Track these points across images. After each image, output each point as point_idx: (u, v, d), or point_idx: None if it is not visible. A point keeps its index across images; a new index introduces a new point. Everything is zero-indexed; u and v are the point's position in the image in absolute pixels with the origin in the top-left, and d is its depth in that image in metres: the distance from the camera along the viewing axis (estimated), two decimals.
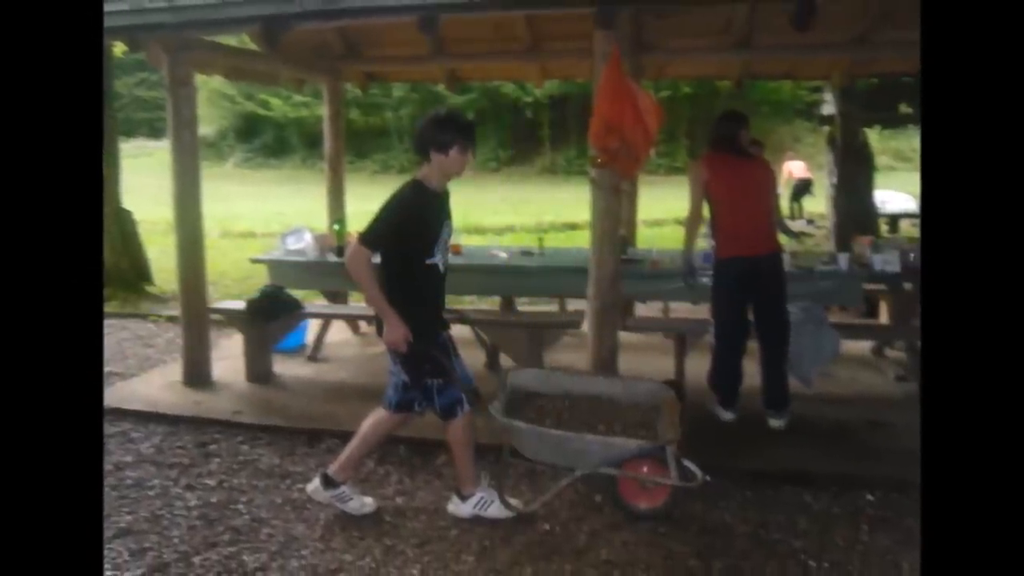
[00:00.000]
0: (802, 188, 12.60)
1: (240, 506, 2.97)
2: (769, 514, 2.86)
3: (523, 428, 2.76)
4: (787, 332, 3.59)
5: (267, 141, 23.55)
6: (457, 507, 2.82)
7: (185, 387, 4.23)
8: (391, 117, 21.91)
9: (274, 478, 3.21)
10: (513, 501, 2.81)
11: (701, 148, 6.51)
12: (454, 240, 3.10)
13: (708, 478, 2.80)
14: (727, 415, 3.65)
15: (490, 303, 5.81)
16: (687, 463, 2.80)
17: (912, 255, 4.22)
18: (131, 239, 7.15)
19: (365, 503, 2.87)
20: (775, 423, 3.58)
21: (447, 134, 2.61)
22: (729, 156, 3.55)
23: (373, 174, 20.15)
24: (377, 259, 2.67)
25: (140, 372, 4.67)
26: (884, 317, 5.11)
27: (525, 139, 21.96)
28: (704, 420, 3.58)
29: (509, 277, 4.51)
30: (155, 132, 21.92)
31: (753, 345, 3.63)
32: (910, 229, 10.19)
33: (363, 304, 4.42)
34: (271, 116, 22.95)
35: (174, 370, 4.43)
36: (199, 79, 4.60)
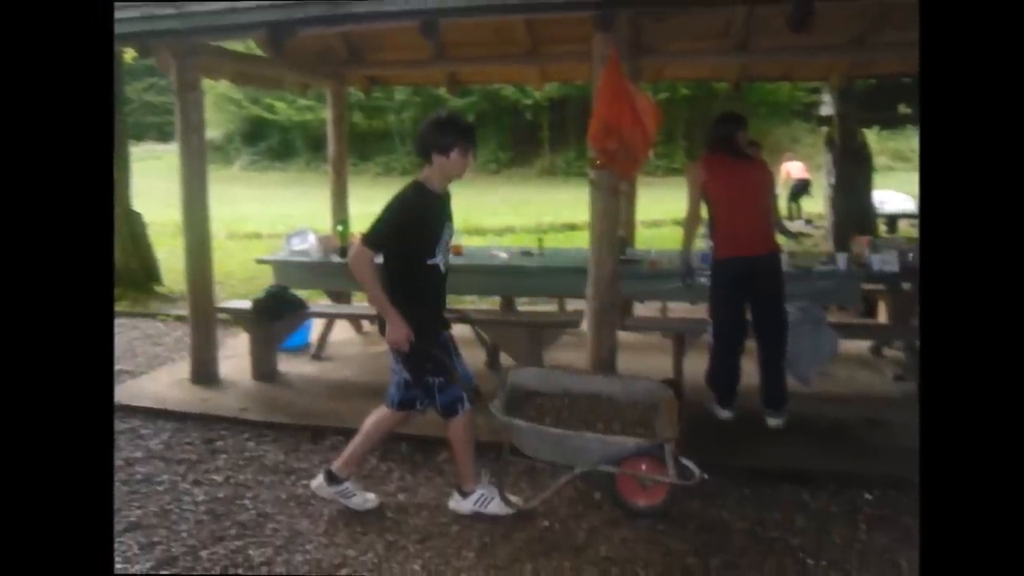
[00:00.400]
0: (800, 189, 12.30)
1: (246, 501, 2.96)
2: (767, 512, 2.83)
3: (523, 426, 2.73)
4: (785, 331, 3.52)
5: (272, 144, 23.39)
6: (458, 504, 2.80)
7: (193, 385, 4.23)
8: (393, 120, 21.66)
9: (279, 474, 3.20)
10: (513, 498, 2.78)
11: (699, 150, 6.44)
12: (455, 241, 3.08)
13: (706, 476, 2.76)
14: (725, 414, 3.60)
15: (490, 303, 5.75)
16: (685, 461, 2.76)
17: (910, 255, 4.12)
18: (141, 240, 7.15)
19: (368, 499, 2.86)
20: (773, 422, 3.52)
21: (448, 136, 2.60)
22: (727, 157, 3.51)
23: (376, 176, 19.92)
24: (380, 259, 2.66)
25: (149, 370, 4.67)
26: (882, 317, 4.99)
27: (525, 141, 21.64)
28: (702, 418, 3.52)
29: (509, 277, 4.46)
30: (164, 136, 21.78)
31: (751, 344, 3.57)
32: (908, 229, 10.03)
33: (366, 304, 4.40)
34: (276, 120, 22.77)
35: (182, 368, 4.42)
36: (206, 83, 4.59)
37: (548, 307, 5.49)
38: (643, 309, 5.33)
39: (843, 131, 7.44)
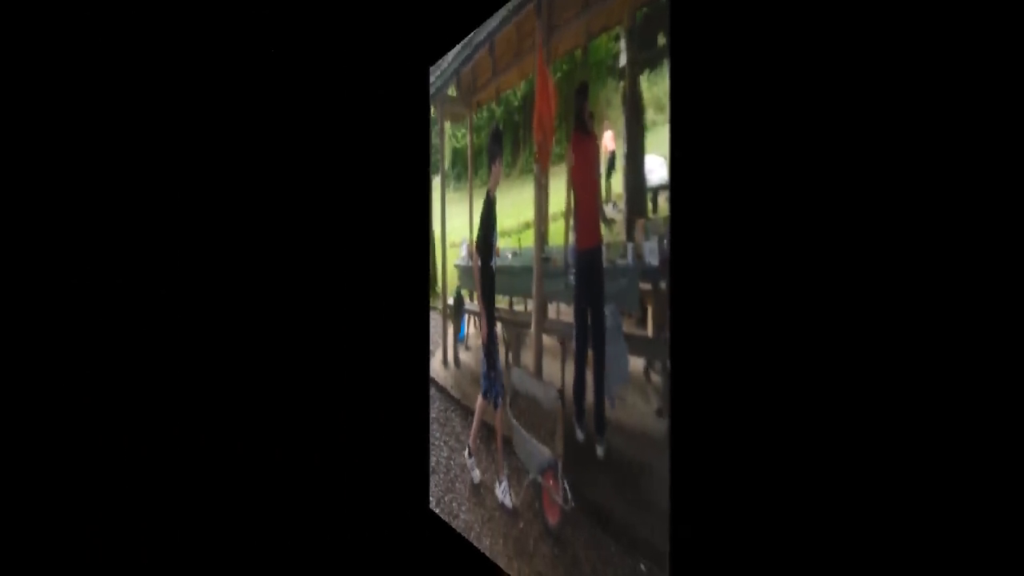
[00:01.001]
0: (610, 164, 3.28)
1: (451, 462, 2.98)
2: (596, 561, 1.49)
3: (512, 423, 2.24)
4: (605, 339, 1.80)
5: (458, 169, 20.68)
6: (496, 491, 2.47)
7: (442, 364, 4.69)
8: (479, 137, 15.75)
9: (457, 441, 3.08)
10: (512, 494, 2.34)
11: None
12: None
13: (572, 504, 1.83)
14: (579, 433, 2.08)
15: (501, 302, 4.26)
16: (564, 483, 1.80)
17: (666, 241, 1.36)
18: (433, 251, 7.86)
19: (476, 474, 2.67)
20: (599, 449, 1.86)
21: (496, 147, 2.26)
22: (579, 134, 1.91)
23: (477, 189, 15.03)
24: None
25: (434, 351, 4.86)
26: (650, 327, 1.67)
27: (515, 142, 12.71)
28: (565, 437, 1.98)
29: (506, 277, 3.38)
30: (436, 170, 21.52)
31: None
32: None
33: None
34: (459, 148, 19.87)
35: (441, 351, 4.90)
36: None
37: (519, 307, 3.84)
38: (551, 311, 3.06)
39: (632, 81, 2.18)
